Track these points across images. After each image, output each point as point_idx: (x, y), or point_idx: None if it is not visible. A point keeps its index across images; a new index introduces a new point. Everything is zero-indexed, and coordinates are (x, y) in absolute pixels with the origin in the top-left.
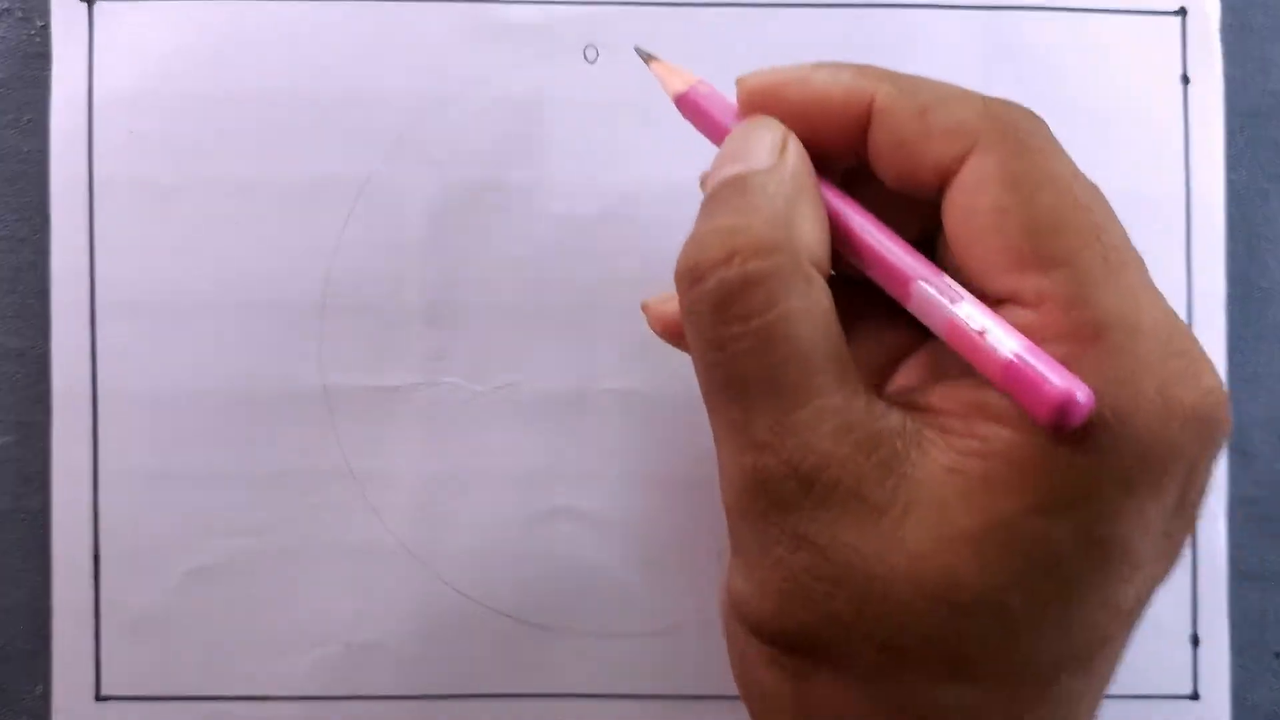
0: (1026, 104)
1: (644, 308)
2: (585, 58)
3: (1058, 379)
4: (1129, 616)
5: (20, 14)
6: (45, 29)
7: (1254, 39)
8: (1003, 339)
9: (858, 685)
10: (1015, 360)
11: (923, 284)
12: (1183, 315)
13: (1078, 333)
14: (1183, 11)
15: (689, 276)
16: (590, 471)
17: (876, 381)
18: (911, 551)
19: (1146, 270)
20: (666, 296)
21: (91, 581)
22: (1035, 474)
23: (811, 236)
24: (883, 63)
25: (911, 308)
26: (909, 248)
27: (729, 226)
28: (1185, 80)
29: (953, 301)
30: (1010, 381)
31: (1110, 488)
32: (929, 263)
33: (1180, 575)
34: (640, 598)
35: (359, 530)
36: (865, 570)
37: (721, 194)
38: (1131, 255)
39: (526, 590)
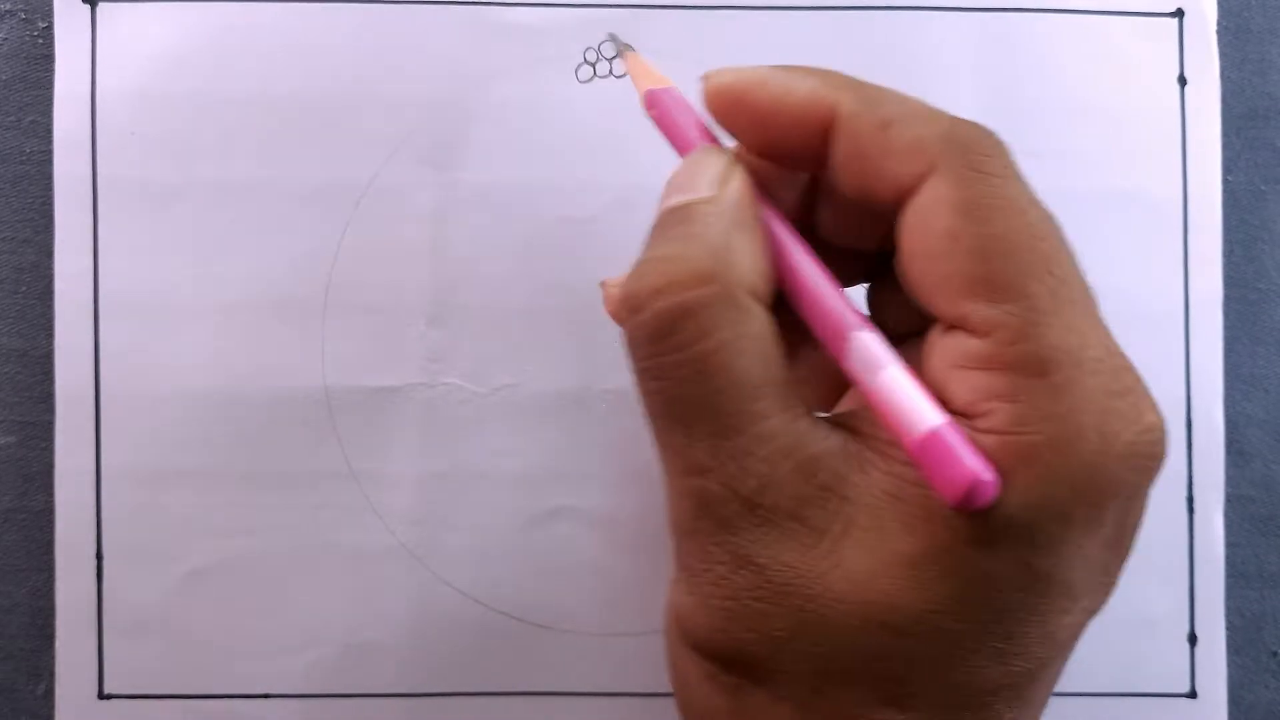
0: (1024, 105)
1: (602, 285)
2: (586, 60)
3: (966, 462)
4: (1064, 647)
5: (23, 16)
6: (48, 30)
7: (1251, 41)
8: (919, 415)
9: (793, 705)
10: (926, 438)
11: (851, 347)
12: (1179, 316)
13: (1022, 366)
14: (1180, 13)
15: (628, 306)
16: (590, 471)
17: (827, 403)
18: (849, 574)
19: (1095, 304)
20: (625, 279)
21: (94, 581)
22: None
23: (749, 266)
24: (882, 65)
25: (840, 360)
26: (847, 300)
27: (666, 256)
28: (1182, 81)
29: (876, 370)
30: (923, 455)
31: (1048, 522)
32: (863, 319)
33: (1178, 575)
34: (640, 597)
35: (359, 530)
36: (803, 591)
37: (663, 223)
38: (1080, 289)
39: (526, 590)
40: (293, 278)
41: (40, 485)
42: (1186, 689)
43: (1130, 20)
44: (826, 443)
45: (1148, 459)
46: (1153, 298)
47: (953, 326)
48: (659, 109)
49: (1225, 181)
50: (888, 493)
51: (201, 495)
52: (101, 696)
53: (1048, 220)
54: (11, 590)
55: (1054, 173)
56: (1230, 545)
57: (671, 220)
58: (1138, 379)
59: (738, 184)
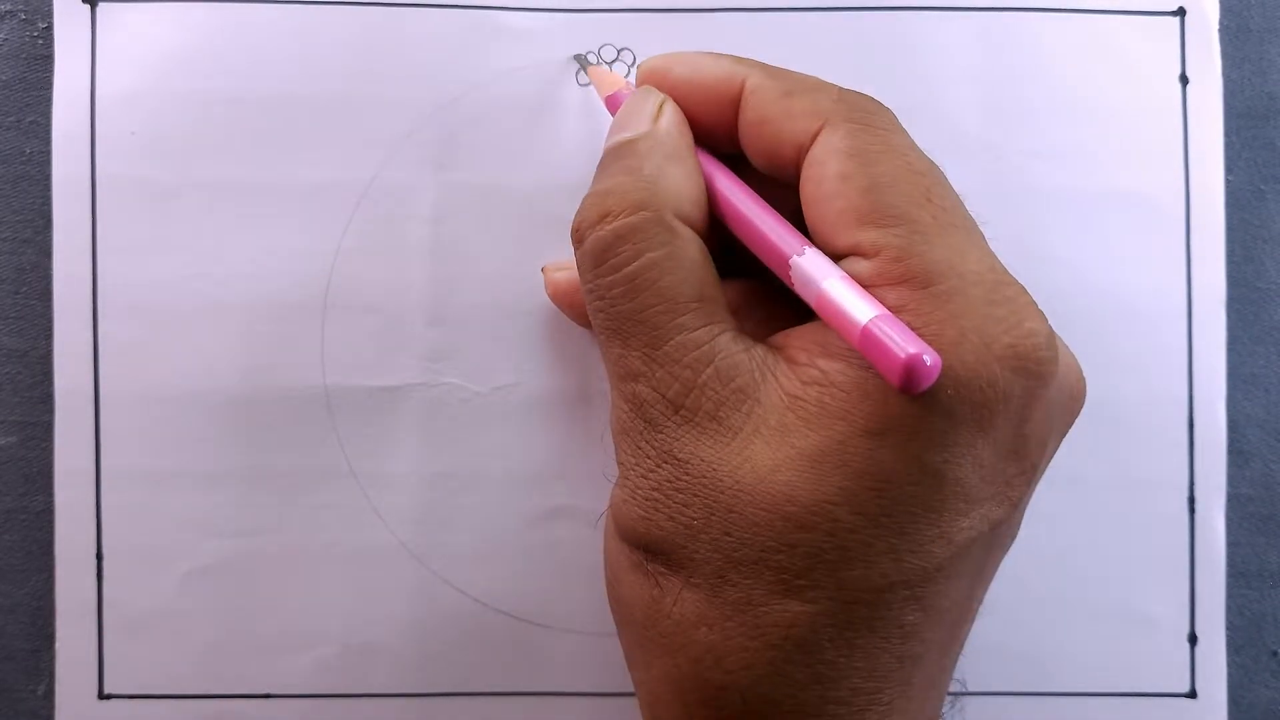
0: (1026, 104)
1: (543, 270)
2: (586, 62)
3: (907, 345)
4: (963, 551)
5: (23, 16)
6: (48, 31)
7: (1252, 40)
8: (861, 310)
9: (704, 592)
10: (869, 327)
11: (797, 261)
12: (1182, 315)
13: (909, 279)
14: (1181, 12)
15: (576, 236)
16: (591, 471)
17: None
18: (756, 469)
19: (981, 235)
20: (565, 263)
21: (94, 581)
22: (865, 401)
23: (679, 192)
24: (883, 65)
25: (789, 282)
26: (787, 225)
27: (604, 190)
28: (1184, 80)
29: (821, 279)
30: (866, 347)
31: (934, 416)
32: (802, 238)
33: (1178, 574)
34: None
35: (359, 530)
36: (717, 484)
37: (604, 160)
38: (962, 217)
39: (526, 590)
40: (293, 278)
41: (40, 485)
42: (1186, 689)
43: (1132, 19)
44: (745, 354)
45: (1030, 361)
46: (1154, 297)
47: (845, 255)
48: (616, 107)
49: (1226, 181)
50: (790, 394)
51: (201, 495)
52: (101, 696)
53: (929, 163)
54: (11, 590)
55: (1055, 172)
56: (1231, 545)
57: (611, 157)
58: (1021, 292)
59: (669, 118)
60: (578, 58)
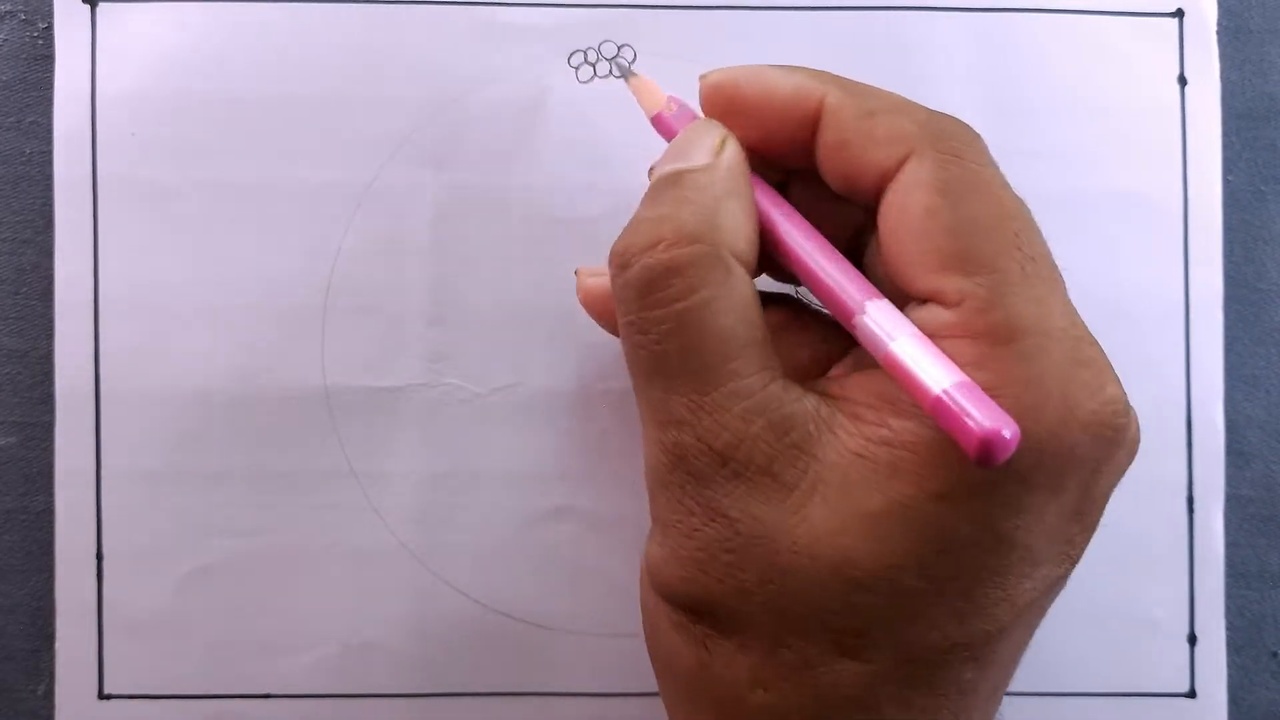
0: (1025, 105)
1: (576, 273)
2: (586, 60)
3: (984, 419)
4: (1025, 612)
5: (23, 16)
6: (48, 31)
7: (1251, 41)
8: (935, 377)
9: (757, 655)
10: (942, 397)
11: (865, 319)
12: (1180, 316)
13: (991, 334)
14: (1180, 13)
15: (618, 261)
16: (590, 471)
17: (818, 374)
18: (815, 528)
19: (1062, 283)
20: (600, 269)
21: (94, 581)
22: (937, 464)
23: (737, 231)
24: (882, 65)
25: (856, 336)
26: (854, 273)
27: (658, 216)
28: (1182, 81)
29: (891, 338)
30: (940, 415)
31: (1009, 483)
32: (869, 287)
33: (1178, 575)
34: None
35: (360, 530)
36: (771, 544)
37: (658, 187)
38: (1048, 267)
39: (526, 590)
40: (293, 278)
41: (40, 485)
42: (1186, 689)
43: (1130, 20)
44: (799, 404)
45: (1109, 429)
46: (1153, 298)
47: (926, 300)
48: (664, 128)
49: (1225, 182)
50: (855, 452)
51: (201, 495)
52: (101, 696)
53: (1019, 203)
54: (11, 590)
55: (1054, 173)
56: (1230, 545)
57: (665, 185)
58: (1100, 352)
59: (731, 154)
60: (617, 64)
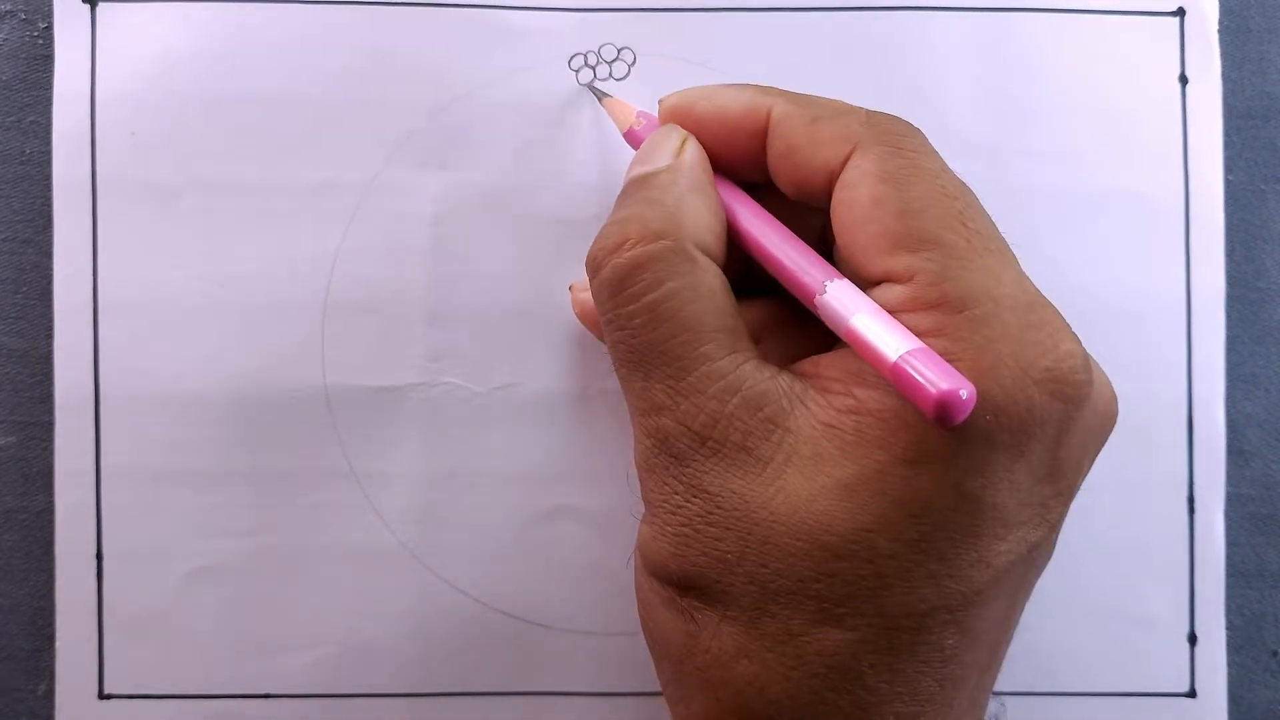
0: (1026, 104)
1: (570, 289)
2: (586, 62)
3: (940, 380)
4: (1002, 577)
5: (23, 16)
6: (48, 31)
7: (1252, 40)
8: (891, 345)
9: (741, 624)
10: (900, 364)
11: (825, 299)
12: (1181, 315)
13: (944, 303)
14: (1181, 12)
15: (592, 265)
16: (590, 471)
17: (801, 355)
18: (791, 498)
19: (1013, 257)
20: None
21: (94, 581)
22: (902, 430)
23: (700, 224)
24: (882, 65)
25: (819, 315)
26: (814, 257)
27: (624, 218)
28: (1184, 80)
29: (850, 314)
30: (899, 382)
31: (973, 444)
32: (828, 268)
33: (1178, 574)
34: None
35: (359, 530)
36: (750, 516)
37: (626, 191)
38: (995, 240)
39: (526, 590)
40: (293, 278)
41: (40, 485)
42: (1186, 688)
43: (1131, 19)
44: (771, 382)
45: (1067, 385)
46: (1154, 297)
47: (878, 281)
48: (635, 141)
49: (1226, 181)
50: (825, 423)
51: (201, 495)
52: (101, 696)
53: (961, 185)
54: (11, 590)
55: (1054, 173)
56: (1230, 545)
57: (632, 188)
58: (1056, 314)
59: (692, 153)
60: (593, 88)
